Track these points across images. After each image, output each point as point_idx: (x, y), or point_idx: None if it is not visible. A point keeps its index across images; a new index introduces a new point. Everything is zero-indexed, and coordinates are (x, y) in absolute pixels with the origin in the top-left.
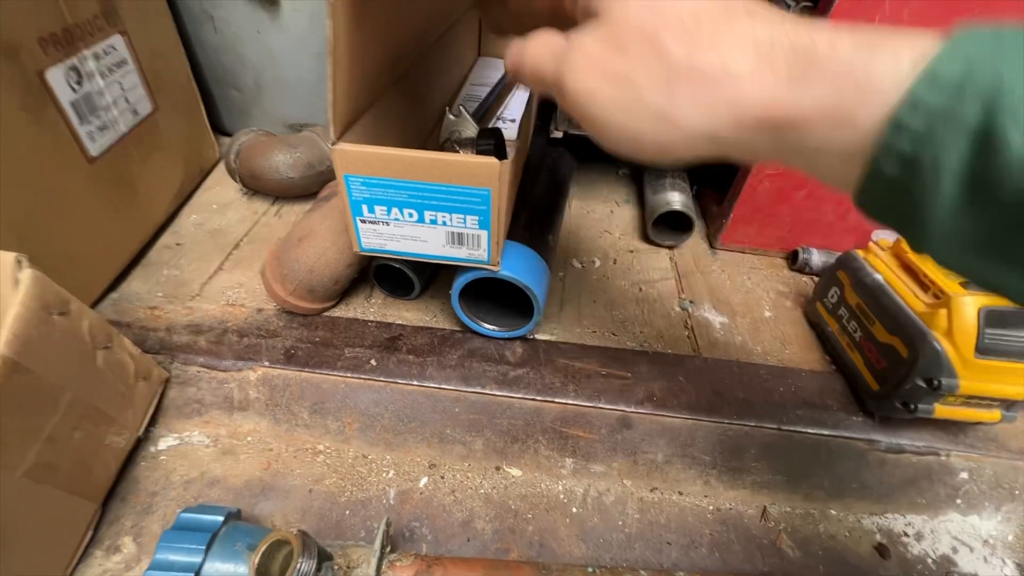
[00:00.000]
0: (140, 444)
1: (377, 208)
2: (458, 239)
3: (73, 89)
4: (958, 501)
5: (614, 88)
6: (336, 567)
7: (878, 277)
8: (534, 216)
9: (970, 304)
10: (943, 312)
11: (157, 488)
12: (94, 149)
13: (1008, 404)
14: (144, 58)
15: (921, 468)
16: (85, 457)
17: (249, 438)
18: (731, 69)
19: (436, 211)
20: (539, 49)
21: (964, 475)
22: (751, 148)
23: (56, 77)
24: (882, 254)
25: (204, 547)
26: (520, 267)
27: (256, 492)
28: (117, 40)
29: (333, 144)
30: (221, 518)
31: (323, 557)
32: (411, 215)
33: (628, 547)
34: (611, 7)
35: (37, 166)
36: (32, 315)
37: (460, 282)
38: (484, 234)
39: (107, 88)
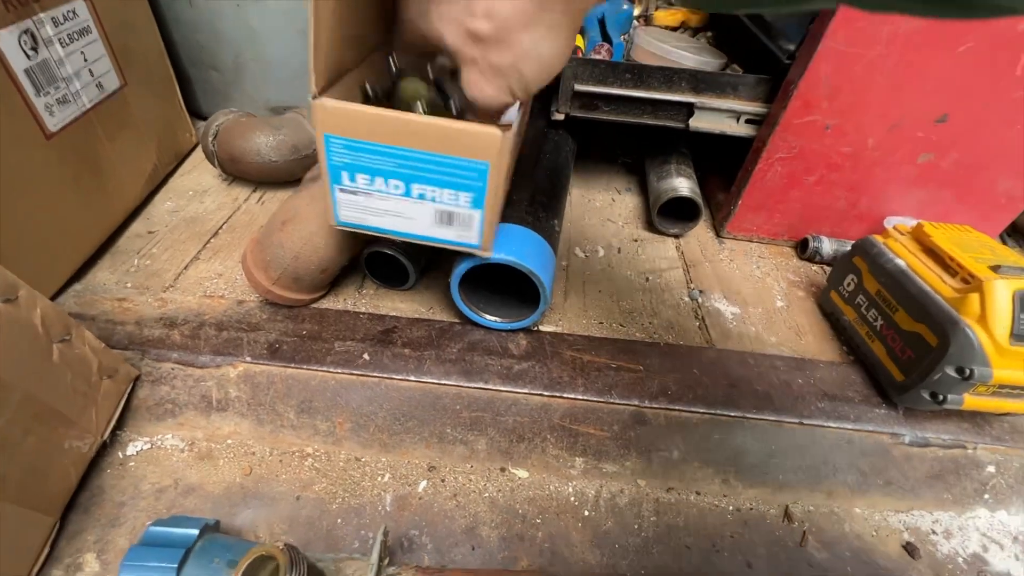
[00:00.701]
0: (105, 449)
1: (359, 176)
2: (448, 218)
3: (27, 56)
4: (986, 496)
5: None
6: None
7: (900, 262)
8: (538, 199)
9: (1004, 288)
10: (974, 297)
11: (125, 498)
12: (52, 123)
13: None
14: (111, 28)
15: (947, 462)
16: (39, 464)
17: (229, 441)
18: None
19: (426, 184)
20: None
21: (991, 469)
22: None
23: (7, 41)
24: (902, 239)
25: (176, 565)
26: (526, 252)
27: (237, 501)
28: (79, 5)
29: (314, 98)
30: (196, 531)
31: (314, 573)
32: (397, 187)
33: (645, 552)
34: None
35: None
36: None
37: (460, 269)
38: (477, 214)
39: (67, 58)
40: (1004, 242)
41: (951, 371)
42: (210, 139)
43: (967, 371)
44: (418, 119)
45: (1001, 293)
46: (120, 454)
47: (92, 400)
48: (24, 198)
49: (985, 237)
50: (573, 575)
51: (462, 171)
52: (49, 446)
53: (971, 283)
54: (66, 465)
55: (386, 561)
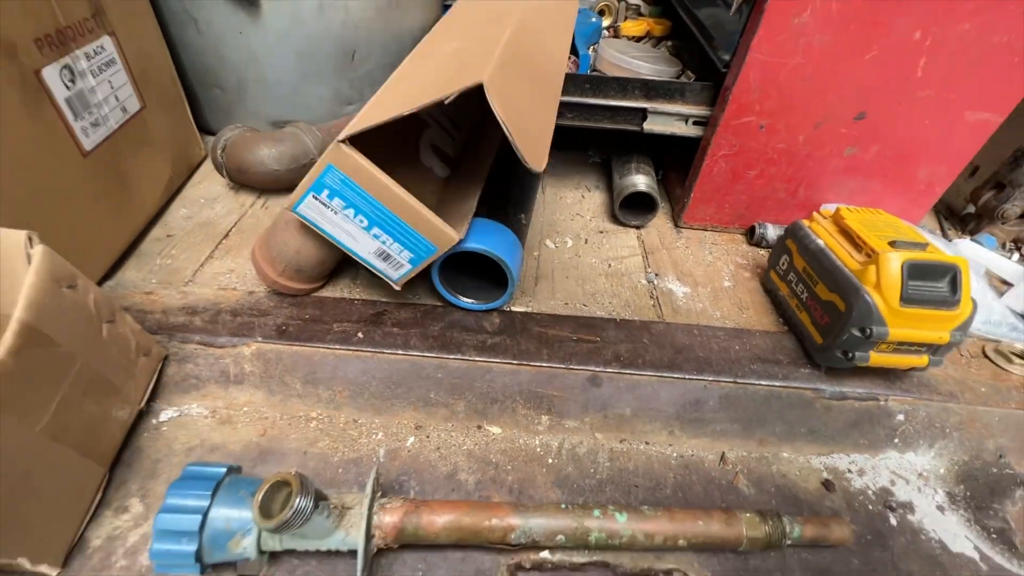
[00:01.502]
0: (142, 417)
1: (336, 200)
2: (385, 257)
3: (67, 87)
4: (896, 440)
5: None
6: (332, 507)
7: (820, 242)
8: (507, 196)
9: (896, 259)
10: (872, 268)
11: (160, 455)
12: (88, 144)
13: (933, 349)
14: (131, 58)
15: (863, 412)
16: (93, 421)
17: (245, 408)
18: None
19: (385, 232)
20: None
21: (901, 417)
22: None
23: (51, 75)
24: (824, 222)
25: (210, 493)
26: (494, 241)
27: (254, 456)
28: (106, 41)
29: (340, 140)
30: (224, 470)
31: (319, 497)
32: (362, 221)
33: (600, 491)
34: None
35: (35, 160)
36: (45, 286)
37: (440, 260)
38: (407, 267)
39: (98, 86)
40: (942, 226)
41: (856, 331)
42: (219, 152)
43: (868, 330)
44: (407, 197)
45: (893, 263)
46: (154, 420)
47: (131, 374)
48: (65, 208)
49: (894, 219)
50: (538, 505)
51: (417, 242)
52: (101, 407)
53: (871, 256)
54: (113, 427)
55: (379, 494)
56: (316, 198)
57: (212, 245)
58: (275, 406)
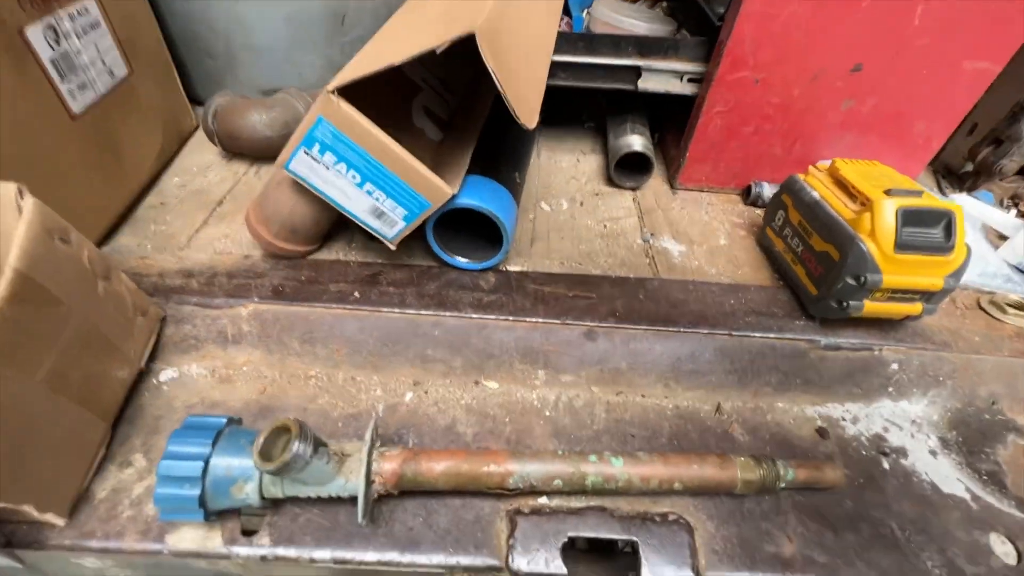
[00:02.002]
0: (143, 377)
1: (328, 154)
2: (379, 215)
3: (52, 47)
4: (890, 389)
5: None
6: (332, 453)
7: (815, 194)
8: (500, 154)
9: (890, 205)
10: (867, 216)
11: (161, 413)
12: (76, 106)
13: (927, 296)
14: (116, 22)
15: (857, 362)
16: (94, 377)
17: (244, 368)
18: None
19: (377, 188)
20: None
21: (895, 366)
22: None
23: (35, 35)
24: (819, 175)
25: (211, 441)
26: (488, 197)
27: (254, 412)
28: (90, 3)
29: (329, 90)
30: (225, 420)
31: (319, 444)
32: (354, 177)
33: (596, 441)
34: None
35: (25, 120)
36: (37, 236)
37: (434, 216)
38: (402, 224)
39: (83, 48)
40: (940, 185)
41: (850, 279)
42: (209, 119)
43: (862, 278)
44: (399, 151)
45: (887, 210)
46: (155, 380)
47: (130, 333)
48: (57, 172)
49: (890, 170)
50: (535, 452)
51: (410, 197)
52: (100, 364)
53: (866, 205)
54: (114, 384)
55: (378, 443)
56: (307, 153)
57: (206, 212)
58: (274, 365)
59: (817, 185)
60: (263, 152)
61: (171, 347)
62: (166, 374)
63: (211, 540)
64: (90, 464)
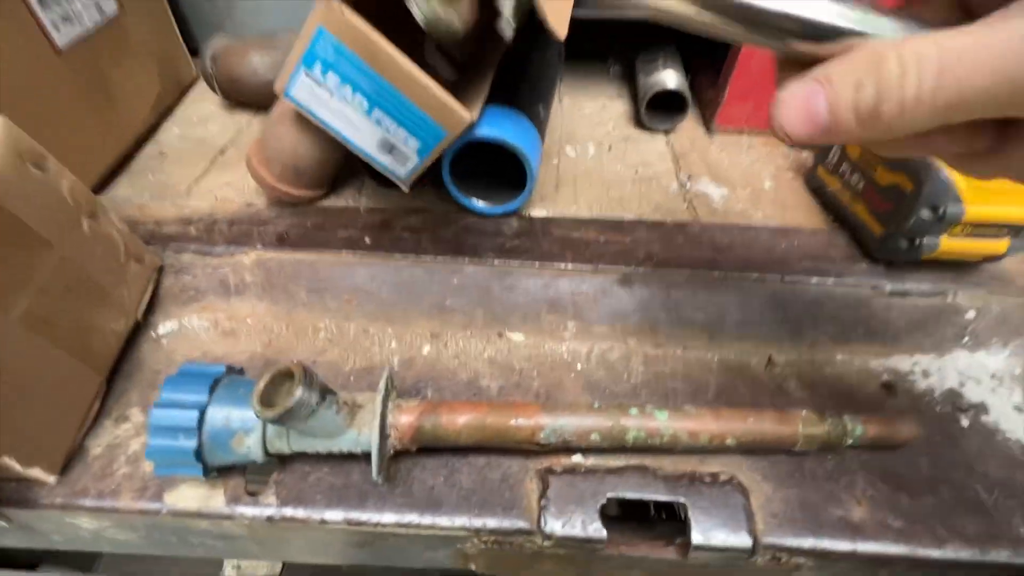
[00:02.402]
0: (141, 330)
1: (331, 75)
2: (390, 148)
3: None
4: (965, 339)
5: None
6: (342, 402)
7: None
8: (522, 85)
9: None
10: None
11: (160, 367)
12: (60, 40)
13: (1016, 230)
14: None
15: (928, 310)
16: (83, 323)
17: (249, 320)
18: None
19: (387, 115)
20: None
21: (971, 314)
22: None
23: None
24: None
25: (208, 389)
26: (509, 129)
27: (259, 366)
28: None
29: None
30: (223, 368)
31: (327, 391)
32: (361, 103)
33: (634, 395)
34: None
35: (4, 51)
36: (5, 159)
37: (450, 152)
38: (415, 159)
39: None
40: None
41: (925, 213)
42: (208, 63)
43: (940, 210)
44: (410, 67)
45: None
46: (153, 333)
47: (122, 279)
48: (44, 109)
49: None
50: (569, 404)
51: (424, 125)
52: (89, 308)
53: None
54: (107, 334)
55: (394, 394)
56: (308, 75)
57: (208, 161)
58: (280, 317)
59: None
60: (266, 99)
61: (170, 298)
62: (165, 327)
63: (213, 499)
64: (83, 419)
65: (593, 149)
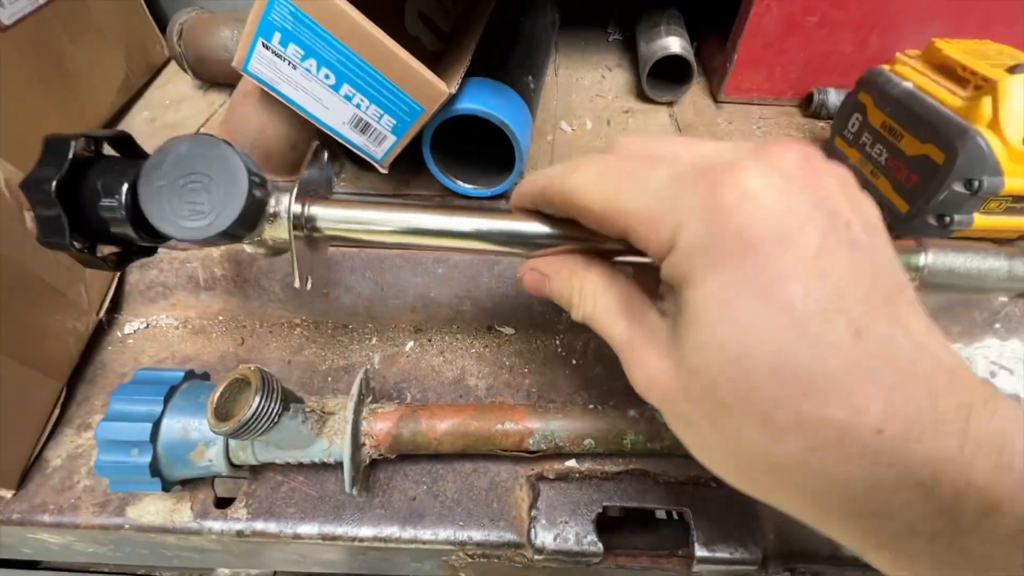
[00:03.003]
0: (103, 330)
1: (292, 46)
2: (363, 127)
3: None
4: (996, 325)
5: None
6: (308, 411)
7: (907, 85)
8: (509, 53)
9: (1020, 85)
10: (986, 100)
11: (126, 369)
12: (5, 16)
13: None
14: None
15: (956, 294)
16: (32, 327)
17: (220, 317)
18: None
19: (358, 91)
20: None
21: (1004, 298)
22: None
23: None
24: (911, 61)
25: (162, 398)
26: (494, 102)
27: (232, 366)
28: None
29: None
30: (182, 374)
31: (292, 399)
32: (328, 77)
33: (633, 393)
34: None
35: None
36: None
37: (431, 129)
38: (391, 139)
39: None
40: None
41: (959, 186)
42: (175, 40)
43: (976, 183)
44: (379, 35)
45: (1016, 90)
46: (119, 333)
47: (78, 276)
48: None
49: (1008, 48)
50: (561, 406)
51: (398, 100)
52: (39, 311)
53: (983, 88)
54: (63, 336)
55: (369, 399)
56: (267, 47)
57: None
58: (253, 313)
59: (909, 74)
60: (239, 77)
61: (136, 295)
62: (131, 326)
63: (179, 513)
64: (40, 428)
65: (591, 124)
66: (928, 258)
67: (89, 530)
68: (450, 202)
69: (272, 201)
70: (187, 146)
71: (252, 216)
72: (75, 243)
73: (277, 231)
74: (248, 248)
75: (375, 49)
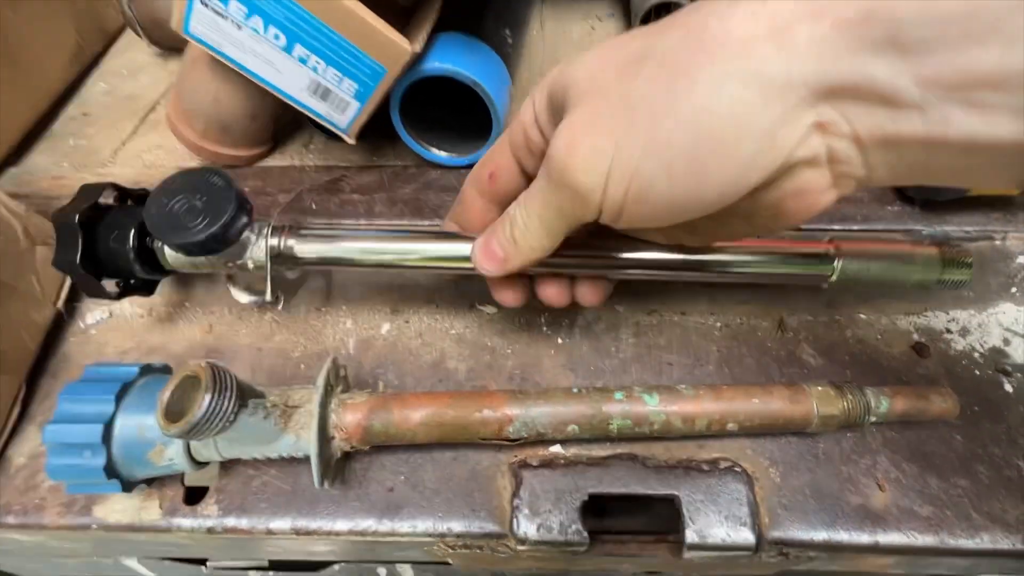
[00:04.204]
0: (64, 320)
1: (234, 3)
2: (323, 93)
3: None
4: (1013, 290)
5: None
6: (270, 405)
7: None
8: (486, 4)
9: None
10: None
11: (90, 361)
12: None
13: None
14: None
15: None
16: None
17: (186, 303)
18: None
19: (313, 52)
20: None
21: (1022, 259)
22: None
23: None
24: None
25: (113, 397)
26: (465, 60)
27: (199, 355)
28: None
29: None
30: (136, 369)
31: (249, 394)
32: (277, 37)
33: (623, 372)
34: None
35: None
36: None
37: (398, 92)
38: (355, 105)
39: None
40: None
41: None
42: (125, 2)
43: None
44: None
45: None
46: (81, 323)
47: (27, 267)
48: None
49: None
50: (542, 391)
51: (358, 62)
52: None
53: None
54: (16, 329)
55: (339, 388)
56: (206, 4)
57: (136, 120)
58: (220, 298)
59: None
60: None
61: None
62: (94, 315)
63: (147, 511)
64: (1, 427)
65: None
66: (839, 263)
67: (55, 531)
68: (424, 173)
69: (254, 228)
70: (188, 175)
71: (229, 231)
72: (83, 268)
73: (256, 255)
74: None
75: (326, 4)
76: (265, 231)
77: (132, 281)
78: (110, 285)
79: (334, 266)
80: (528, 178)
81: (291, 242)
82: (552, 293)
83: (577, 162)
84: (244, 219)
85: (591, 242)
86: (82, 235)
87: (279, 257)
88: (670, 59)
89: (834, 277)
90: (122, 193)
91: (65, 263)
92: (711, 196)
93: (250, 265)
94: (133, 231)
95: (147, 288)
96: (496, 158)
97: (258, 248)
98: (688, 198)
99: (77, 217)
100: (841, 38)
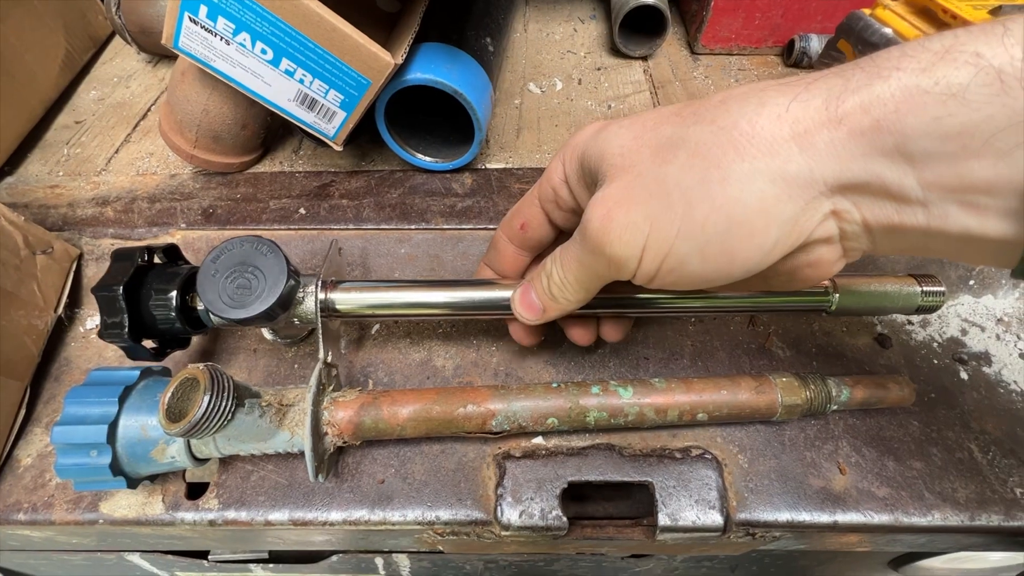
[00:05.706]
0: (65, 326)
1: (222, 20)
2: (310, 103)
3: None
4: (971, 283)
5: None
6: (265, 404)
7: (887, 31)
8: (466, 13)
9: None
10: None
11: (91, 365)
12: None
13: None
14: None
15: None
16: None
17: None
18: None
19: (300, 66)
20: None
21: None
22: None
23: None
24: (892, 5)
25: (117, 399)
26: (447, 70)
27: (196, 359)
28: None
29: None
30: (137, 372)
31: (246, 394)
32: (264, 52)
33: (602, 367)
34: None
35: None
36: None
37: (383, 101)
38: (341, 115)
39: None
40: None
41: None
42: (114, 10)
43: None
44: (317, 7)
45: None
46: (81, 328)
47: (29, 275)
48: None
49: None
50: (524, 386)
51: (342, 74)
52: None
53: None
54: (19, 335)
55: (331, 387)
56: (194, 21)
57: (128, 127)
58: None
59: (890, 19)
60: None
61: None
62: (93, 320)
63: (151, 506)
64: (7, 430)
65: (561, 84)
66: (836, 296)
67: (63, 527)
68: (410, 177)
69: (302, 288)
70: (240, 244)
71: (287, 300)
72: (132, 339)
73: (305, 312)
74: (267, 335)
75: (310, 20)
76: (311, 288)
77: (170, 339)
78: (148, 343)
79: (379, 319)
80: (555, 228)
81: (334, 295)
82: (580, 334)
83: (613, 235)
84: (293, 283)
85: (615, 287)
86: (127, 307)
87: (325, 311)
88: (703, 151)
89: (833, 308)
90: (149, 252)
91: (114, 336)
92: (738, 272)
93: (296, 323)
94: (175, 293)
95: (183, 344)
96: (526, 210)
97: (305, 308)
98: (718, 273)
99: (122, 290)
100: (856, 144)
